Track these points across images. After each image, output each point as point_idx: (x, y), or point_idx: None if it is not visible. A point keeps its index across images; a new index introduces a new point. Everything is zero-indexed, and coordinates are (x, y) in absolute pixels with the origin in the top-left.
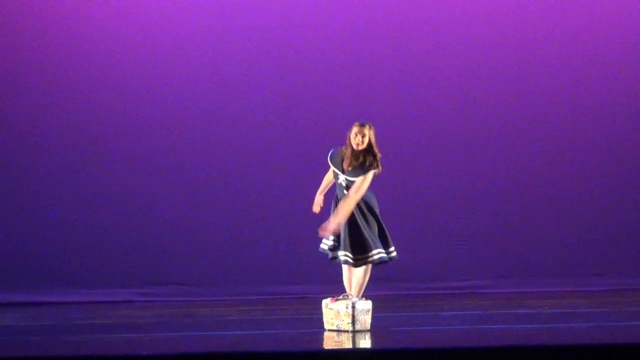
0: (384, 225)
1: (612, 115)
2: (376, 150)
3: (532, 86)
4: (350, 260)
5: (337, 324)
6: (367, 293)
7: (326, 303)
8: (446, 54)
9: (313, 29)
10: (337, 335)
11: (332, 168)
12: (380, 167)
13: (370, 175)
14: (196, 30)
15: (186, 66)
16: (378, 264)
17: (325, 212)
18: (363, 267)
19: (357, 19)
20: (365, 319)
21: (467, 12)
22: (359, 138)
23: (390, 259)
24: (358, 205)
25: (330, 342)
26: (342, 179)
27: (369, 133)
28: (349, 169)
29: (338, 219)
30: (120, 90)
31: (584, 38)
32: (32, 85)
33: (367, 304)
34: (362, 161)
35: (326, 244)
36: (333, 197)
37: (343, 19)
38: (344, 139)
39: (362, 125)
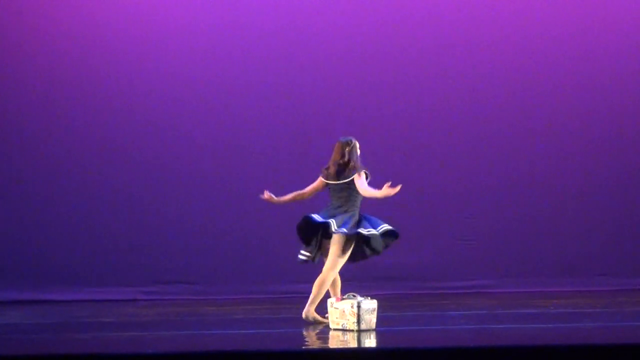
0: None
1: (616, 117)
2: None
3: (537, 86)
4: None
5: (342, 323)
6: (373, 292)
7: (331, 302)
8: (448, 54)
9: (315, 28)
10: (343, 334)
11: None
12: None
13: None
14: (198, 32)
15: (188, 67)
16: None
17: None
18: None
19: (360, 19)
20: (370, 319)
21: (472, 12)
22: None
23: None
24: None
25: (335, 341)
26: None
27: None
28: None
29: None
30: (125, 91)
31: (593, 37)
32: (35, 86)
33: (373, 304)
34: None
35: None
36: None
37: (345, 19)
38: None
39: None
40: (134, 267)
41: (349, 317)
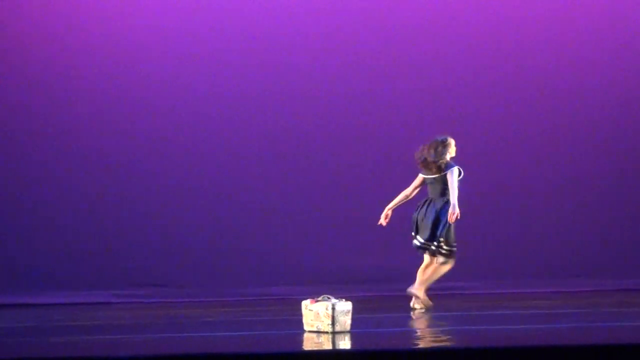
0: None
1: (604, 120)
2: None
3: (533, 88)
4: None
5: (316, 325)
6: (346, 294)
7: (306, 304)
8: (446, 56)
9: (318, 30)
10: (317, 336)
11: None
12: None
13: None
14: (196, 33)
15: (185, 68)
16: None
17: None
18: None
19: (362, 22)
20: (345, 320)
21: (470, 14)
22: None
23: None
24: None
25: (310, 343)
26: None
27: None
28: None
29: None
30: (118, 92)
31: (594, 41)
32: (30, 88)
33: (347, 305)
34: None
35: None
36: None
37: (349, 21)
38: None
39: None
40: (108, 270)
41: (324, 319)
